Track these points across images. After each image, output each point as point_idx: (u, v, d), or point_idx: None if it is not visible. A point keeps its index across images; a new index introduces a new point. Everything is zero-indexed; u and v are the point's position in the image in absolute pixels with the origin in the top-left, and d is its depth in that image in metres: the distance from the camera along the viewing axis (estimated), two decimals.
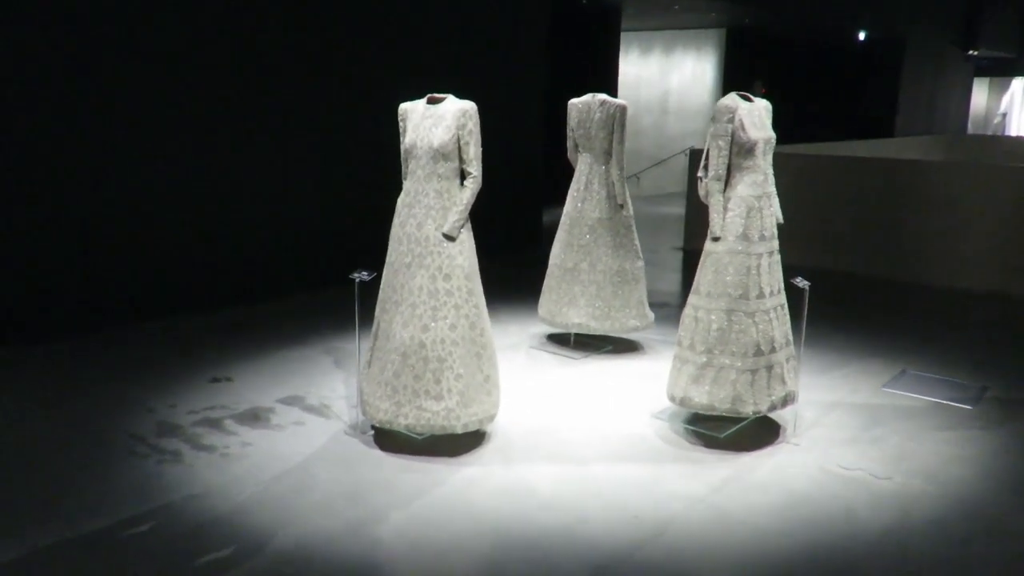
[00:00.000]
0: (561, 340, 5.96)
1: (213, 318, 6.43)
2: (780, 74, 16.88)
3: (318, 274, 7.33)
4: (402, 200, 4.11)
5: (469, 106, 4.00)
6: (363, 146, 7.57)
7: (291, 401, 4.75)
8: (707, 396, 4.11)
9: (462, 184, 4.07)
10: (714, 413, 4.13)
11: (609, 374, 5.34)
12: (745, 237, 4.10)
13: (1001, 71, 26.71)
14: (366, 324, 4.25)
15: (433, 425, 3.95)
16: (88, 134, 5.83)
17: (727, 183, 4.16)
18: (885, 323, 6.79)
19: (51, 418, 4.44)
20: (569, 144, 5.77)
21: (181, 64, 6.28)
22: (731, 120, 4.08)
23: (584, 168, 5.65)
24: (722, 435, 4.30)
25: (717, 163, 4.12)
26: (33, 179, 5.60)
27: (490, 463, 4.01)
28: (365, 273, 4.18)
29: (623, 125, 5.53)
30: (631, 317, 5.64)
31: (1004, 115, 27.73)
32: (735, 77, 16.31)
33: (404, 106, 4.16)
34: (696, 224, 9.82)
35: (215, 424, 4.38)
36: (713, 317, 4.12)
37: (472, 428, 4.03)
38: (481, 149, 4.05)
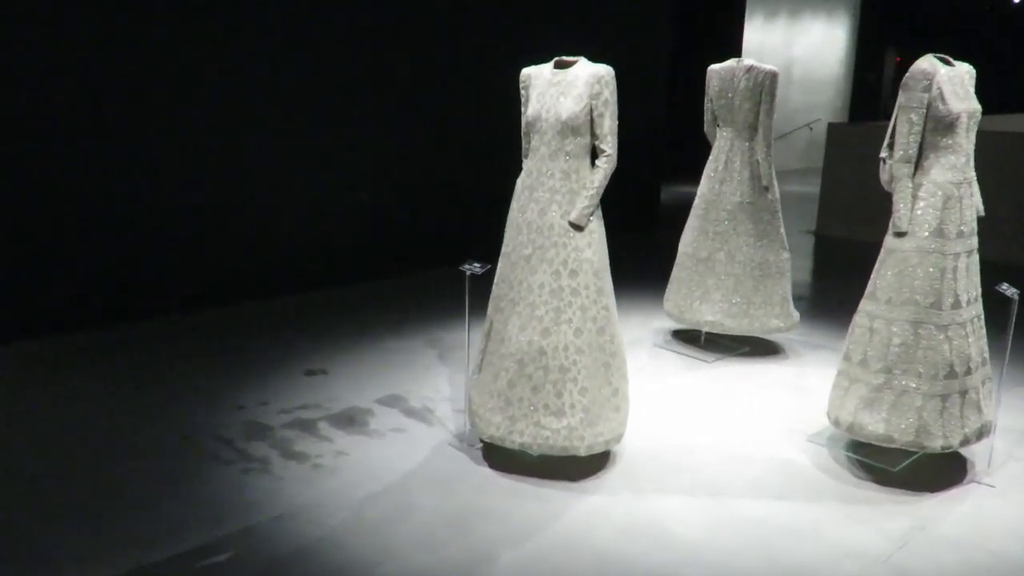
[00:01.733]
0: (689, 338, 5.29)
1: (305, 301, 6.05)
2: (920, 43, 15.41)
3: (420, 257, 6.87)
4: (522, 182, 3.53)
5: (605, 71, 3.36)
6: (475, 119, 7.04)
7: (390, 401, 4.27)
8: (884, 425, 3.39)
9: (593, 164, 3.45)
10: (892, 446, 3.41)
11: (748, 382, 4.65)
12: (940, 233, 3.34)
13: None
14: (476, 320, 3.72)
15: (552, 446, 3.38)
16: (169, 111, 5.48)
17: (917, 165, 3.40)
18: None
19: (134, 410, 4.10)
20: (707, 116, 5.05)
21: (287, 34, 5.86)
22: (927, 88, 3.31)
23: (724, 144, 4.93)
24: (895, 468, 3.58)
25: (907, 141, 3.36)
26: (113, 161, 5.29)
27: (616, 491, 3.42)
28: (477, 265, 3.63)
29: (772, 95, 4.78)
30: (773, 316, 4.92)
31: None
32: (871, 45, 15.00)
33: (527, 71, 3.57)
34: (831, 206, 8.90)
35: (308, 427, 3.95)
36: (895, 329, 3.38)
37: (597, 450, 3.44)
38: (617, 122, 3.42)
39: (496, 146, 7.35)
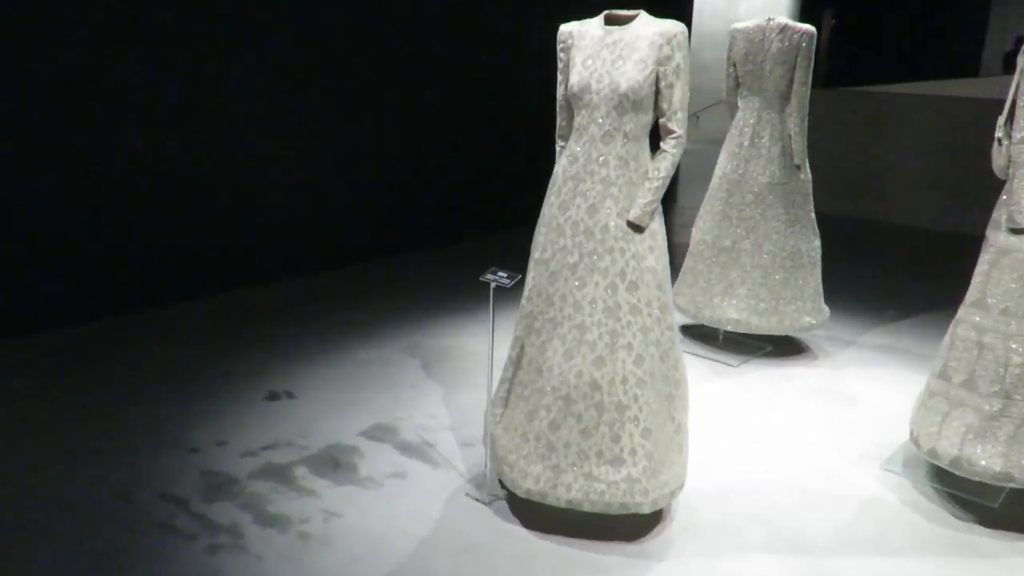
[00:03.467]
0: (703, 335, 4.68)
1: (252, 297, 5.16)
2: (858, 2, 15.17)
3: (376, 243, 6.05)
4: (564, 171, 2.78)
5: (678, 29, 2.63)
6: (459, 91, 6.22)
7: (379, 434, 3.50)
8: (1002, 460, 2.83)
9: (655, 148, 2.73)
10: (1011, 485, 2.85)
11: (787, 392, 4.06)
12: None
13: None
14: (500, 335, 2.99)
15: (609, 503, 2.70)
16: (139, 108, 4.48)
17: None
18: None
19: (48, 452, 3.21)
20: (728, 83, 4.39)
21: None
22: None
23: (750, 116, 4.28)
24: (996, 504, 3.04)
25: None
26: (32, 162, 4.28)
27: (685, 553, 2.77)
28: (504, 275, 2.87)
29: (809, 59, 4.14)
30: (805, 313, 4.33)
31: None
32: (811, 7, 14.62)
33: (568, 28, 2.80)
34: (817, 181, 8.41)
35: (283, 476, 3.15)
36: (1015, 347, 2.81)
37: (662, 504, 2.77)
38: (689, 94, 2.70)
39: (478, 119, 6.62)
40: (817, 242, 4.37)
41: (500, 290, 2.87)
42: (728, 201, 4.32)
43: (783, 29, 4.12)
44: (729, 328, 4.36)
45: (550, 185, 2.83)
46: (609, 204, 2.68)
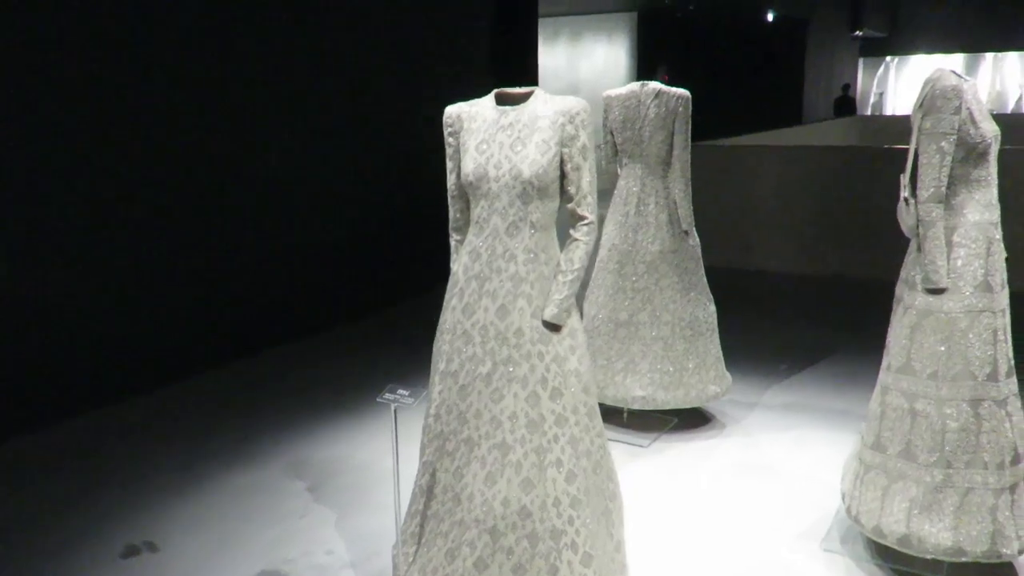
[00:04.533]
0: (605, 414, 4.37)
1: (99, 419, 4.48)
2: (691, 60, 15.93)
3: (247, 335, 5.47)
4: (465, 269, 2.46)
5: (580, 106, 2.39)
6: (367, 160, 5.77)
7: None
8: (952, 535, 2.67)
9: (570, 236, 2.46)
10: (962, 560, 2.70)
11: (704, 469, 3.84)
12: (987, 286, 2.70)
13: (874, 51, 27.08)
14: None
15: None
16: None
17: (945, 204, 2.75)
18: None
19: None
20: (607, 151, 4.23)
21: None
22: (958, 110, 2.66)
23: (633, 184, 4.13)
24: (942, 573, 2.89)
25: (938, 176, 2.69)
26: None
27: None
28: (405, 392, 2.49)
29: (687, 122, 4.05)
30: (710, 381, 4.17)
31: (881, 94, 28.22)
32: (647, 65, 15.22)
33: (456, 110, 2.50)
34: None
35: None
36: (950, 412, 2.69)
37: None
38: (596, 176, 2.45)
39: (367, 191, 6.17)
40: (712, 307, 4.24)
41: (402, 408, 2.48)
42: (620, 273, 4.13)
43: (658, 94, 4.01)
44: (636, 406, 4.12)
45: (450, 287, 2.50)
46: (521, 304, 2.37)
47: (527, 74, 12.35)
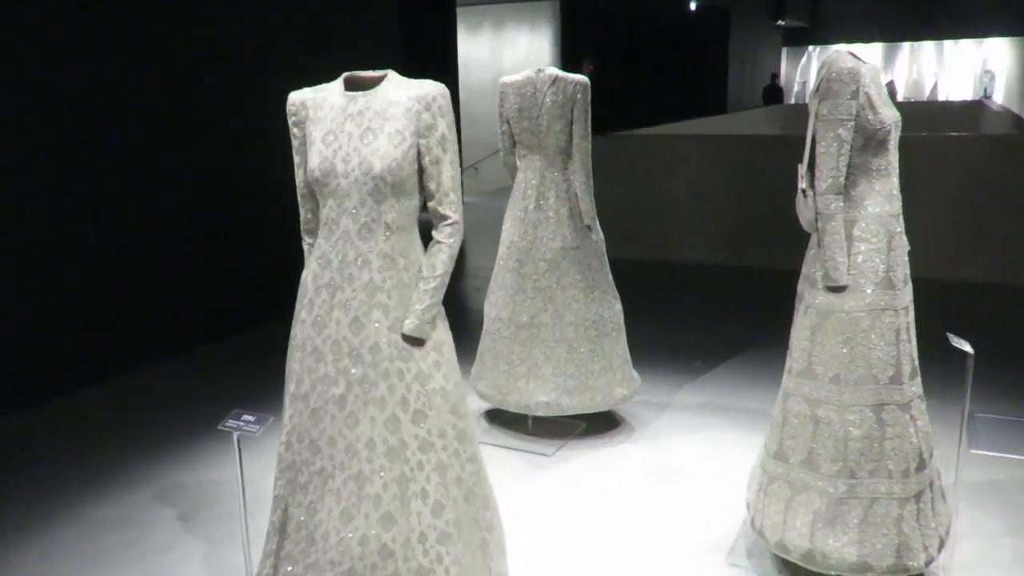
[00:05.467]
0: (510, 421, 4.18)
1: None
2: (615, 50, 15.84)
3: (109, 351, 5.03)
4: (314, 277, 2.17)
5: (437, 91, 2.12)
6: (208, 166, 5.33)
7: None
8: (857, 549, 2.50)
9: (432, 237, 2.20)
10: (868, 575, 2.53)
11: (610, 477, 3.63)
12: (889, 283, 2.53)
13: (796, 41, 27.50)
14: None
15: None
16: None
17: (844, 196, 2.57)
18: None
19: None
20: (504, 142, 3.98)
21: None
22: (855, 94, 2.47)
23: (532, 177, 3.88)
24: None
25: (836, 165, 2.51)
26: None
27: None
28: (251, 418, 2.19)
29: (586, 109, 3.82)
30: (617, 384, 3.96)
31: (804, 83, 28.69)
32: (571, 55, 15.05)
33: (300, 97, 2.21)
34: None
35: None
36: (852, 418, 2.51)
37: None
38: (460, 170, 2.19)
39: (232, 212, 5.65)
40: (618, 306, 4.03)
41: (249, 437, 2.18)
42: (520, 272, 3.88)
43: (555, 81, 3.77)
44: (540, 412, 3.89)
45: (299, 296, 2.21)
46: (377, 316, 2.10)
47: (447, 65, 12.06)
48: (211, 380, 4.91)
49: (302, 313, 2.18)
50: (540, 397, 3.85)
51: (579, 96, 3.77)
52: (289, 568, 2.18)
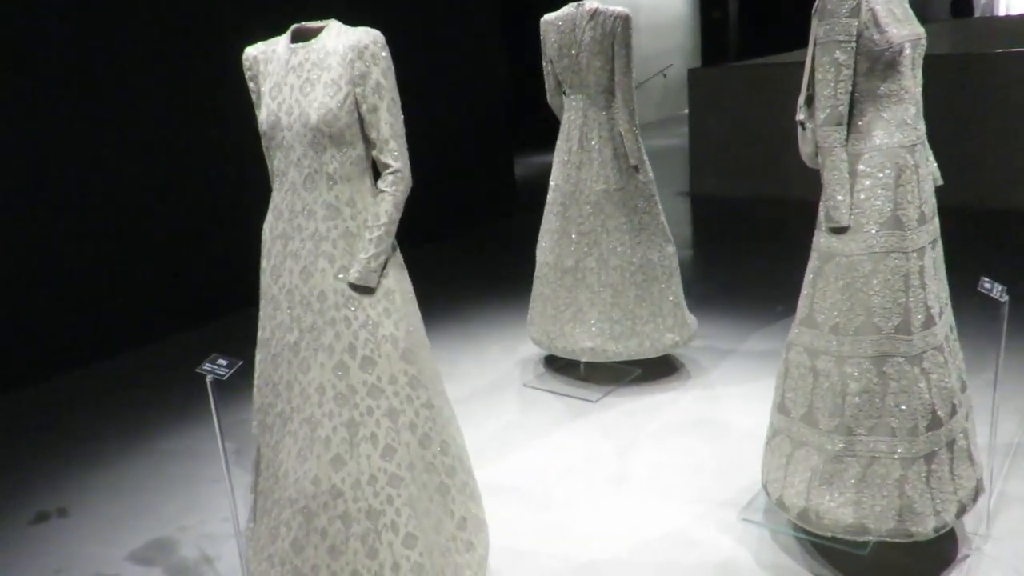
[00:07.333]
0: (566, 366, 4.16)
1: (41, 391, 4.54)
2: None
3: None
4: (270, 228, 2.25)
5: (370, 38, 2.10)
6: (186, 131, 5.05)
7: (151, 555, 2.94)
8: (853, 511, 2.33)
9: (376, 185, 2.21)
10: (866, 538, 2.35)
11: (647, 426, 3.55)
12: (896, 223, 2.28)
13: None
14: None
15: None
16: None
17: (851, 126, 2.32)
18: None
19: None
20: (548, 82, 3.88)
21: None
22: (855, 11, 2.21)
23: (575, 116, 3.77)
24: (865, 551, 2.55)
25: (834, 93, 2.27)
26: None
27: None
28: (223, 362, 2.32)
29: (627, 45, 3.64)
30: (667, 330, 3.83)
31: None
32: None
33: (253, 52, 2.26)
34: (703, 162, 7.97)
35: None
36: (851, 371, 2.32)
37: None
38: (402, 116, 2.17)
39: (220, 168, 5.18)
40: (671, 248, 3.87)
41: (220, 384, 2.31)
42: (565, 216, 3.81)
43: (594, 15, 3.62)
44: (585, 358, 3.84)
45: (262, 246, 2.29)
46: (323, 264, 2.14)
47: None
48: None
49: (263, 262, 2.27)
50: (585, 343, 3.80)
51: (619, 30, 3.60)
52: (263, 502, 2.32)
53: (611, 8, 3.62)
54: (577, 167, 3.75)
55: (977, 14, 23.08)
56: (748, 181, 7.58)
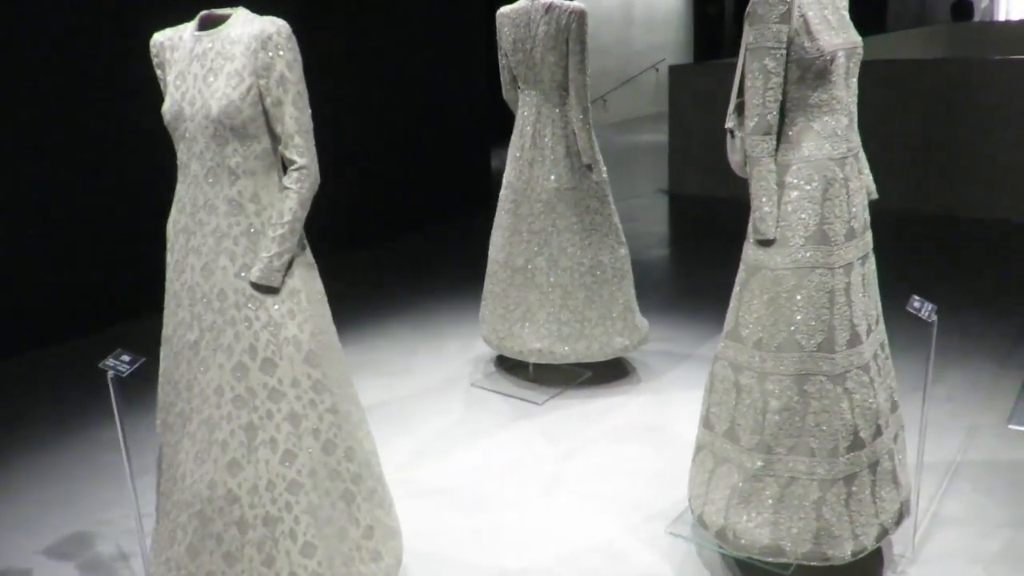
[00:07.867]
0: (516, 367, 4.09)
1: None
2: None
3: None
4: (173, 222, 2.17)
5: (274, 27, 2.02)
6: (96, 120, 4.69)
7: (67, 549, 2.87)
8: (770, 531, 2.27)
9: (282, 180, 2.13)
10: (781, 560, 2.29)
11: (588, 432, 3.49)
12: (822, 237, 2.21)
13: None
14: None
15: None
16: None
17: (780, 136, 2.25)
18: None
19: None
20: (503, 76, 3.80)
21: None
22: (785, 17, 2.14)
23: (529, 113, 3.69)
24: (788, 572, 2.49)
25: (763, 101, 2.19)
26: None
27: None
28: (126, 358, 2.25)
29: (582, 40, 3.56)
30: (616, 333, 3.76)
31: None
32: None
33: (160, 38, 2.18)
34: (683, 160, 7.88)
35: None
36: (772, 388, 2.25)
37: None
38: (310, 110, 2.09)
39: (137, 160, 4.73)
40: (623, 250, 3.80)
41: (121, 381, 2.24)
42: (516, 213, 3.74)
43: (549, 9, 3.53)
44: (533, 359, 3.78)
45: (166, 239, 2.22)
46: (224, 262, 2.07)
47: None
48: None
49: (168, 257, 2.19)
50: (534, 344, 3.73)
51: (574, 26, 3.52)
52: (163, 502, 2.26)
53: (567, 3, 3.54)
54: (529, 164, 3.68)
55: (977, 18, 22.96)
56: (727, 181, 7.49)
